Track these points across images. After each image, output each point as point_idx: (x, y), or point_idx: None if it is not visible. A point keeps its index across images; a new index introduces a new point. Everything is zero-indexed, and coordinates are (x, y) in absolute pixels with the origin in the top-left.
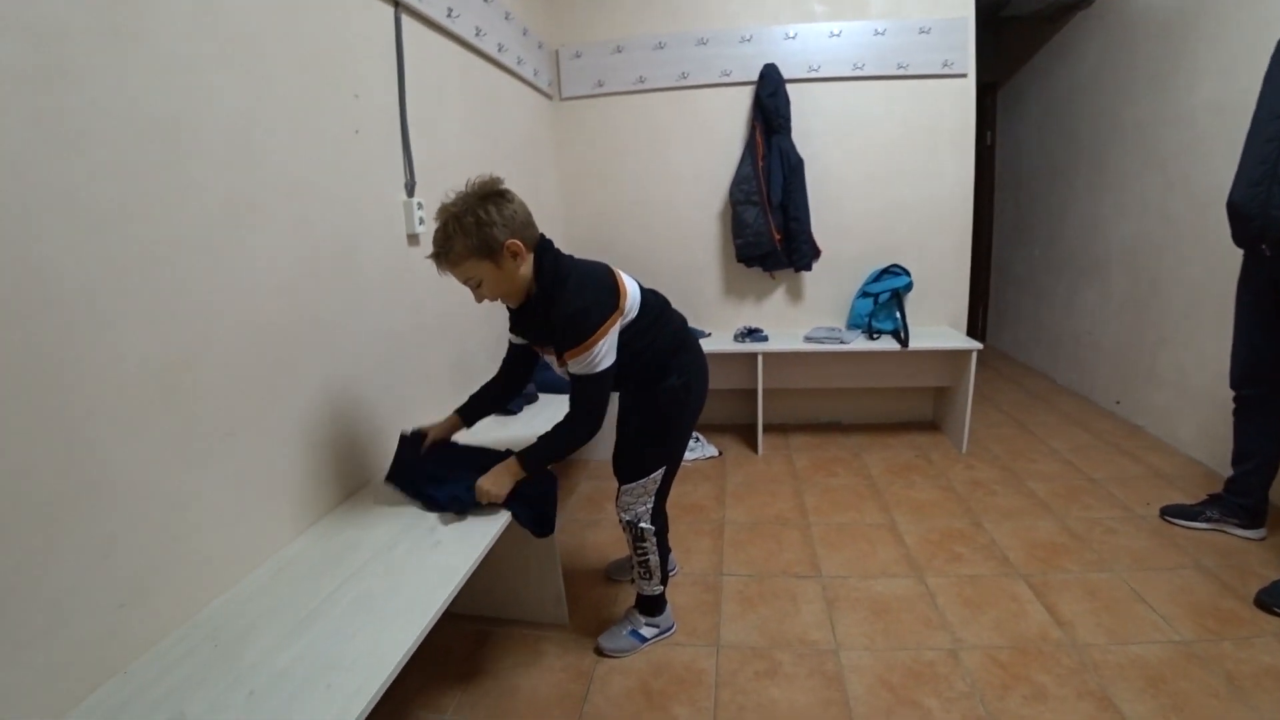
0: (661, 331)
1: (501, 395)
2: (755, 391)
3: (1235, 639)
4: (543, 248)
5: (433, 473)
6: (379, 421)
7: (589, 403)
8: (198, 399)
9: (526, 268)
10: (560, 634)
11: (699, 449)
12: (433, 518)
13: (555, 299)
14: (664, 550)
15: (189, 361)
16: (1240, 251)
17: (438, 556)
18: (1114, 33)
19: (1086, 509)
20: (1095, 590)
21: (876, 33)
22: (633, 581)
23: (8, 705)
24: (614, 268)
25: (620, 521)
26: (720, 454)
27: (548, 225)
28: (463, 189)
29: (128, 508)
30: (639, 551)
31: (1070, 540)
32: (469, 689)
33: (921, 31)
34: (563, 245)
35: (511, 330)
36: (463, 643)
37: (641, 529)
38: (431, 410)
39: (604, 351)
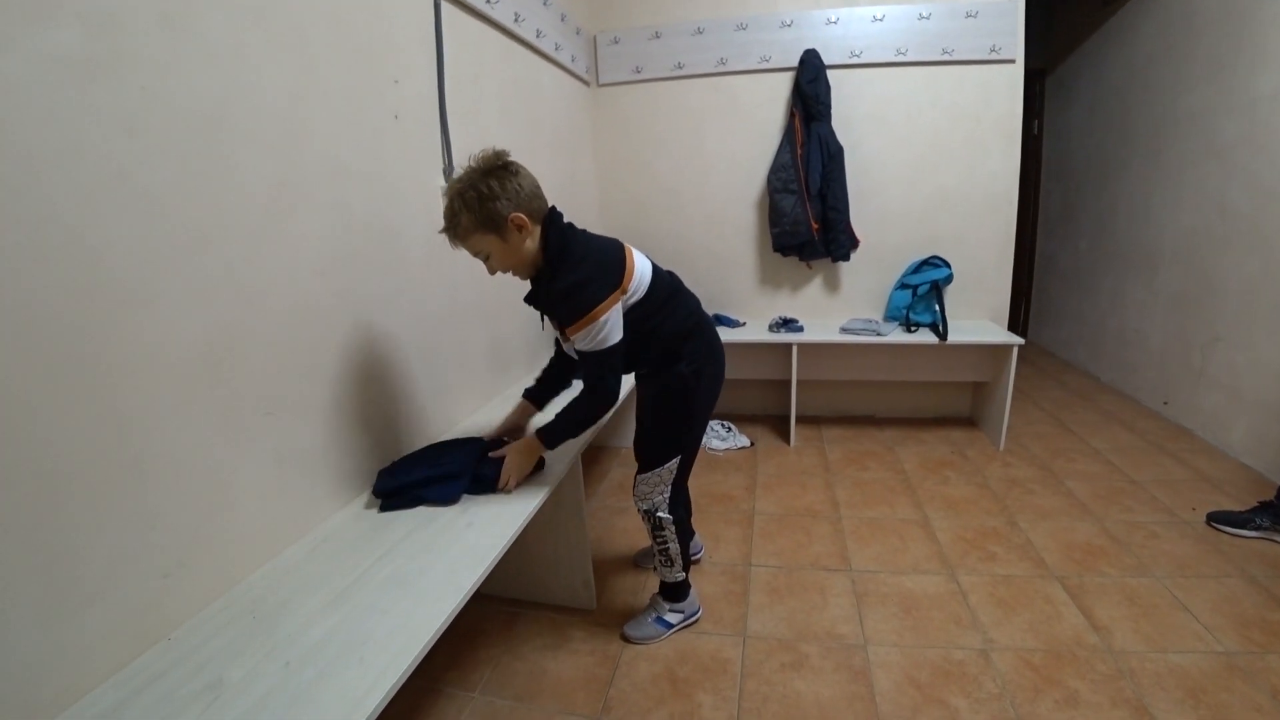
0: (672, 315)
1: (564, 372)
2: (789, 382)
3: None
4: (550, 220)
5: (428, 474)
6: (417, 402)
7: (599, 380)
8: (240, 378)
9: (533, 241)
10: (588, 618)
11: (731, 439)
12: (465, 499)
13: (557, 271)
14: (685, 537)
15: (231, 341)
16: None
17: (470, 536)
18: (1172, 17)
19: (1128, 511)
20: (1134, 595)
21: (921, 17)
22: (655, 569)
23: (62, 664)
24: (626, 245)
25: (639, 510)
26: (752, 444)
27: (584, 211)
28: (469, 164)
29: (172, 482)
30: (659, 540)
31: (1109, 543)
32: (497, 668)
33: (968, 15)
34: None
35: (526, 301)
36: (492, 623)
37: (659, 518)
38: (467, 391)
39: (608, 327)
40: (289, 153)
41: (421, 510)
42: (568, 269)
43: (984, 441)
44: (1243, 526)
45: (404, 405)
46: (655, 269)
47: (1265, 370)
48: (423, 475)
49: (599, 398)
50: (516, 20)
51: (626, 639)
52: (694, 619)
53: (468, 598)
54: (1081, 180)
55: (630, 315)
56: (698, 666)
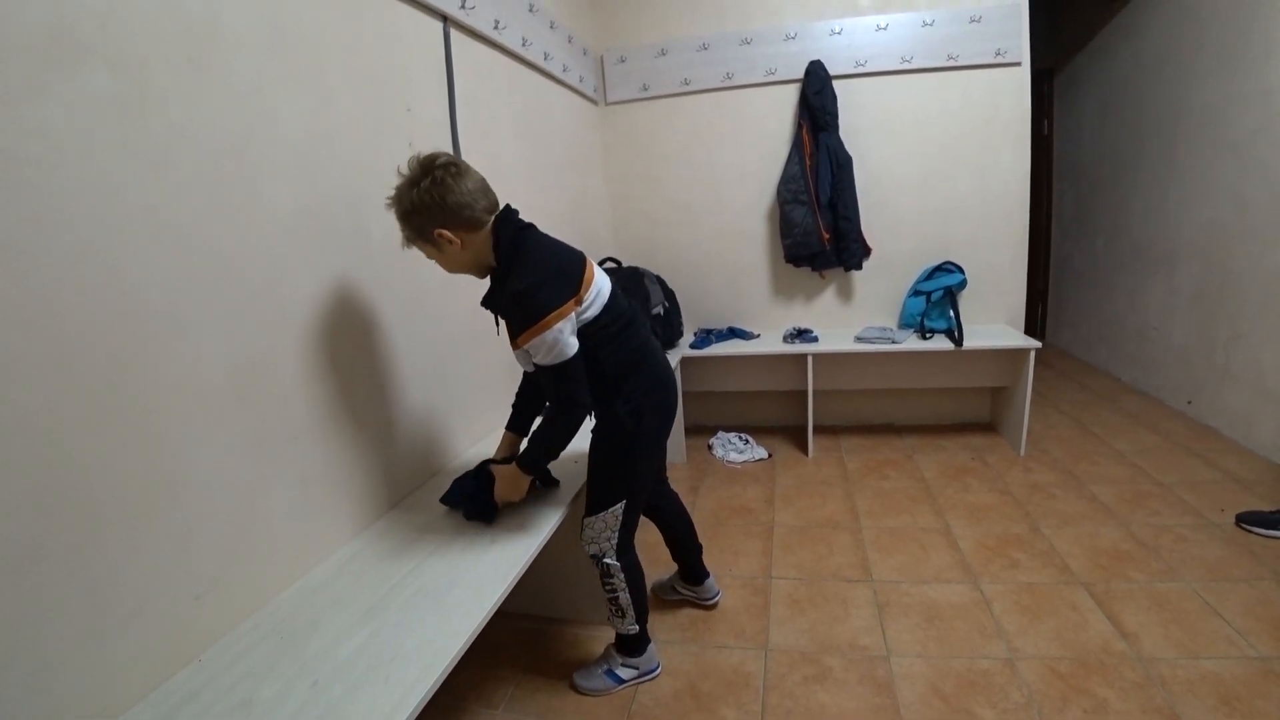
0: (621, 346)
1: (535, 394)
2: (805, 393)
3: None
4: (501, 220)
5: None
6: (437, 422)
7: (563, 395)
8: (266, 401)
9: (474, 247)
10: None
11: (748, 451)
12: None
13: (510, 273)
14: (638, 587)
15: (257, 366)
16: None
17: (494, 553)
18: (1180, 11)
19: (1154, 515)
20: (1163, 601)
21: (925, 24)
22: (609, 619)
23: (99, 686)
24: (588, 258)
25: (587, 554)
26: (770, 456)
27: (595, 229)
28: (400, 171)
29: (203, 504)
30: (607, 588)
31: (1136, 548)
32: (521, 685)
33: (972, 20)
34: (612, 248)
35: (483, 304)
36: (516, 639)
37: (606, 564)
38: (486, 411)
39: (563, 338)
40: (309, 181)
41: (445, 528)
42: (521, 272)
43: (1004, 447)
44: (1273, 527)
45: (424, 426)
46: (614, 292)
47: None
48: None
49: (568, 414)
50: (524, 44)
51: (575, 688)
52: (650, 676)
53: (492, 614)
54: (1094, 179)
55: (581, 333)
56: (720, 681)
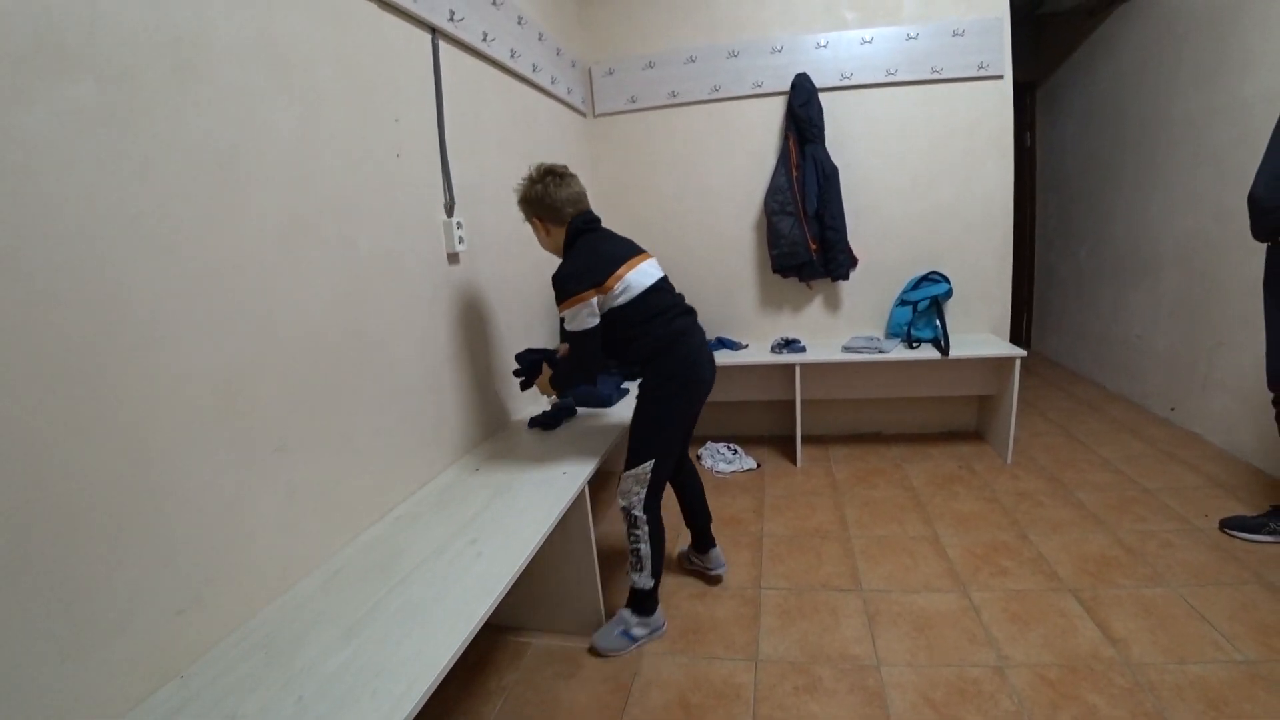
0: (649, 333)
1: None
2: (794, 403)
3: None
4: (575, 222)
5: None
6: (425, 433)
7: (577, 354)
8: (253, 412)
9: (555, 237)
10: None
11: (737, 461)
12: (474, 528)
13: (562, 262)
14: (656, 543)
15: (244, 377)
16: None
17: (481, 566)
18: (1158, 24)
19: (1140, 521)
20: (1150, 606)
21: (909, 37)
22: (627, 572)
23: (75, 704)
24: (636, 259)
25: (619, 506)
26: (759, 466)
27: None
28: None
29: (189, 517)
30: (631, 539)
31: (1123, 554)
32: (509, 699)
33: (955, 34)
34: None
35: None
36: (503, 653)
37: (634, 516)
38: (473, 424)
39: (581, 316)
40: (298, 190)
41: (431, 540)
42: (565, 262)
43: (991, 455)
44: (1256, 532)
45: (410, 437)
46: (657, 291)
47: None
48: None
49: (577, 367)
50: (513, 56)
51: (594, 650)
52: (658, 633)
53: (479, 627)
54: (1077, 189)
55: (610, 316)
56: (711, 692)
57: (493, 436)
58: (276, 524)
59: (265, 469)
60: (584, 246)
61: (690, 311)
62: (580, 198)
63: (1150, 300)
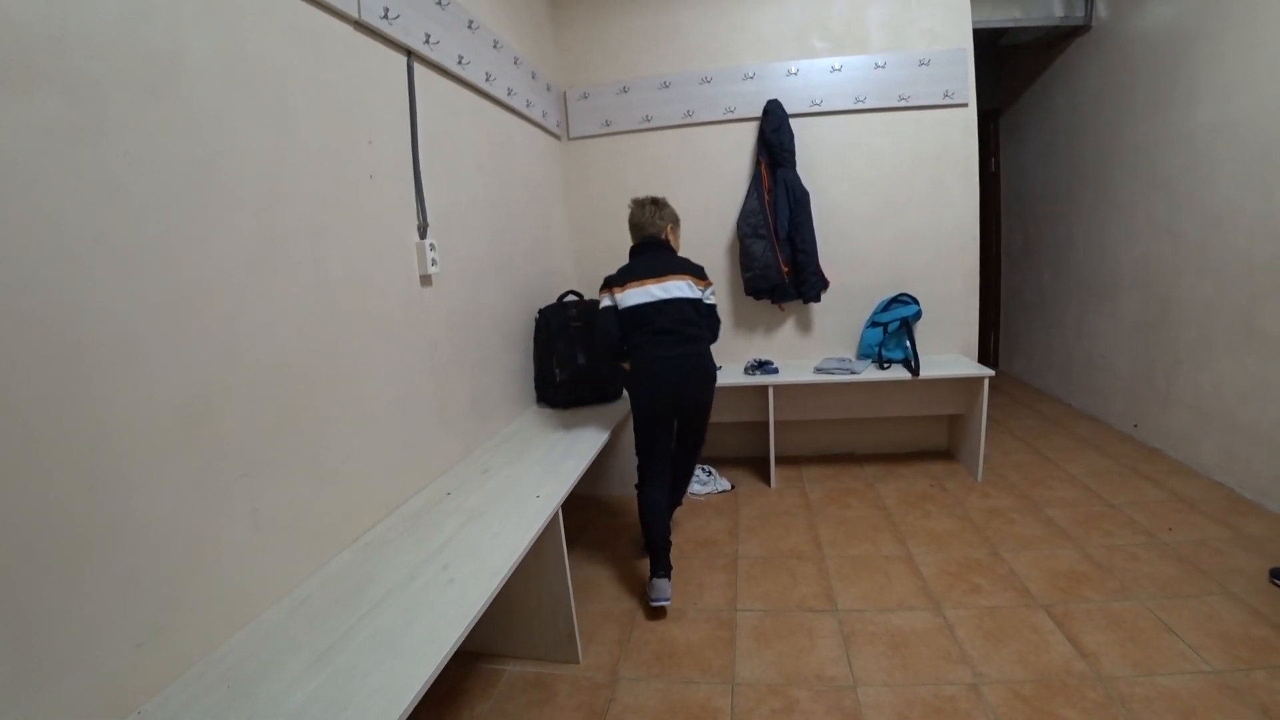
0: (631, 340)
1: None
2: (767, 424)
3: (1269, 668)
4: (634, 244)
5: None
6: (397, 456)
7: (596, 325)
8: (218, 437)
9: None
10: (573, 671)
11: (711, 483)
12: (446, 554)
13: None
14: (643, 519)
15: (210, 401)
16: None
17: (453, 593)
18: (1112, 57)
19: (1108, 536)
20: (1119, 620)
21: (877, 66)
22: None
23: None
24: (646, 279)
25: None
26: (733, 487)
27: (559, 262)
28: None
29: (149, 546)
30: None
31: (1092, 568)
32: None
33: (921, 63)
34: (575, 281)
35: None
36: (476, 681)
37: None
38: (448, 444)
39: (603, 300)
40: (269, 212)
41: (402, 566)
42: None
43: (962, 473)
44: None
45: (383, 460)
46: (651, 309)
47: (1227, 389)
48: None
49: (595, 339)
50: (488, 80)
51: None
52: (652, 602)
53: (450, 655)
54: (1040, 214)
55: (620, 315)
56: (687, 717)
57: (466, 459)
58: (242, 552)
59: (230, 495)
60: (628, 261)
61: (667, 331)
62: (640, 226)
63: (1111, 321)
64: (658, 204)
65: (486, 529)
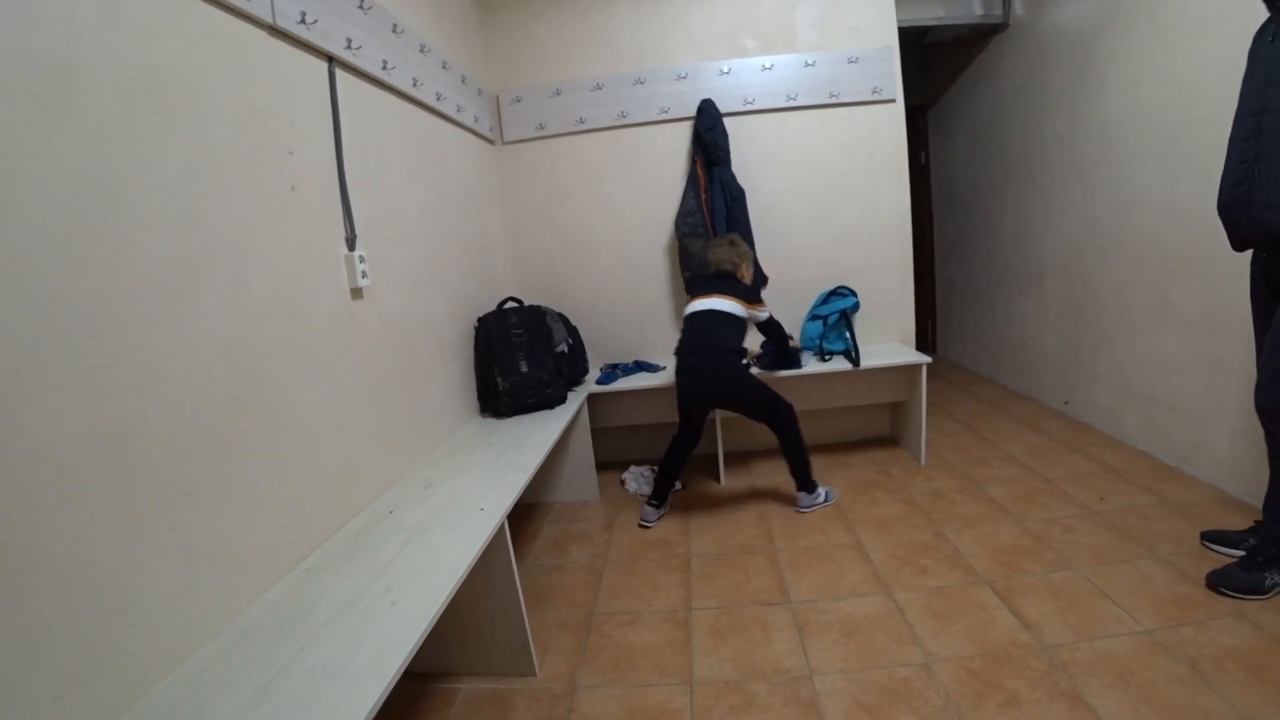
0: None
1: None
2: (714, 420)
3: (1194, 624)
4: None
5: None
6: (330, 481)
7: None
8: (139, 469)
9: None
10: (530, 684)
11: None
12: (388, 576)
13: None
14: (662, 462)
15: (126, 431)
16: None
17: (396, 616)
18: (1029, 53)
19: (1044, 510)
20: (1059, 590)
21: (807, 64)
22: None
23: None
24: (699, 296)
25: None
26: (683, 486)
27: (496, 267)
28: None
29: (62, 590)
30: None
31: (1031, 542)
32: None
33: (850, 61)
34: (514, 287)
35: None
36: (430, 703)
37: None
38: (388, 462)
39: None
40: (184, 229)
41: (343, 592)
42: None
43: (906, 458)
44: (1235, 546)
45: (320, 482)
46: (693, 318)
47: (1146, 364)
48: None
49: None
50: (415, 85)
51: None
52: (642, 523)
53: (396, 680)
54: (969, 204)
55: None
56: None
57: (408, 475)
58: (170, 590)
59: (155, 530)
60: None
61: (691, 340)
62: (703, 265)
63: (1038, 304)
64: (731, 243)
65: (430, 546)
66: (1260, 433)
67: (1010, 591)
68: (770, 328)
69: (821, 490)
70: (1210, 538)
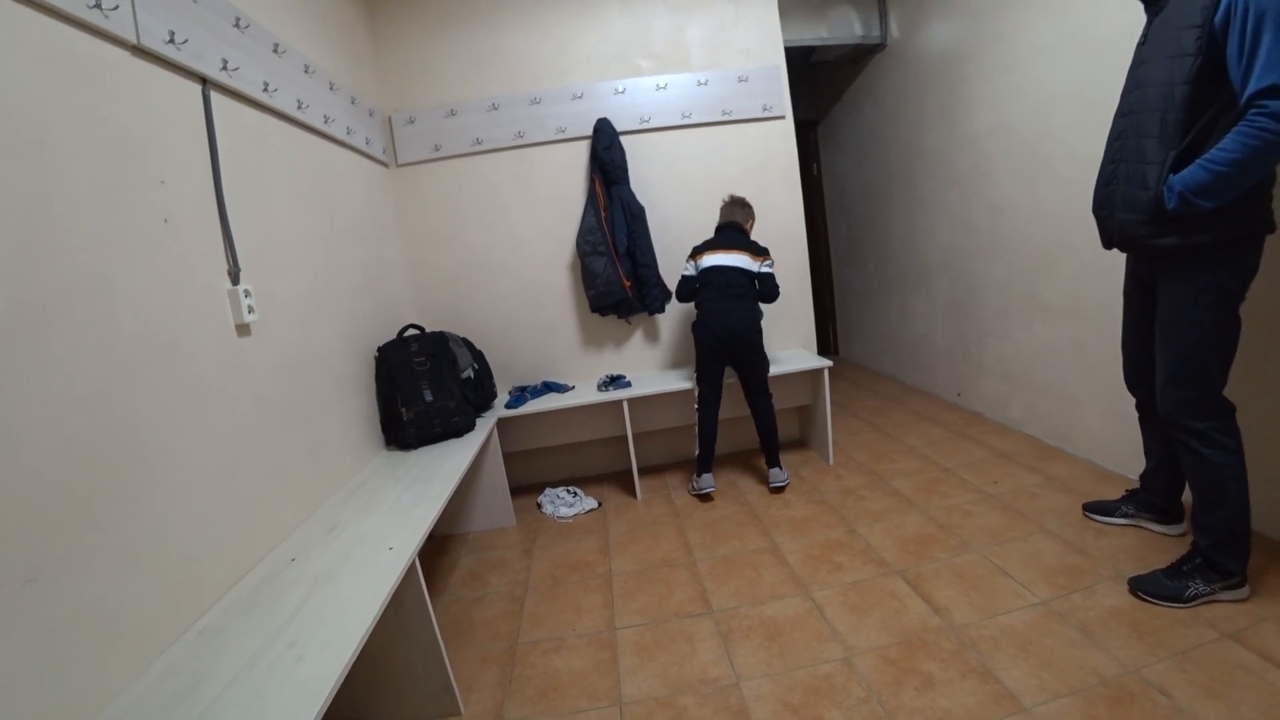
0: (698, 294)
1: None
2: (626, 438)
3: (1082, 590)
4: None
5: None
6: (221, 534)
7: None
8: None
9: None
10: None
11: (578, 503)
12: (292, 629)
13: None
14: (699, 426)
15: None
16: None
17: (302, 672)
18: (906, 72)
19: (945, 498)
20: (963, 572)
21: (700, 83)
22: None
23: None
24: (714, 250)
25: None
26: (600, 505)
27: (395, 293)
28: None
29: None
30: None
31: (936, 530)
32: None
33: (740, 80)
34: (414, 313)
35: None
36: None
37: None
38: (284, 507)
39: (688, 267)
40: (30, 271)
41: (241, 653)
42: None
43: (816, 459)
44: (1111, 514)
45: (211, 535)
46: (714, 271)
47: (1024, 354)
48: None
49: (677, 287)
50: (300, 107)
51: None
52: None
53: None
54: (860, 212)
55: (698, 276)
56: None
57: (310, 518)
58: (33, 674)
59: (13, 608)
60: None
61: (723, 289)
62: (728, 213)
63: (927, 304)
64: (741, 204)
65: (337, 593)
66: (1124, 410)
67: (920, 579)
68: (767, 280)
69: (709, 476)
70: (1091, 508)
